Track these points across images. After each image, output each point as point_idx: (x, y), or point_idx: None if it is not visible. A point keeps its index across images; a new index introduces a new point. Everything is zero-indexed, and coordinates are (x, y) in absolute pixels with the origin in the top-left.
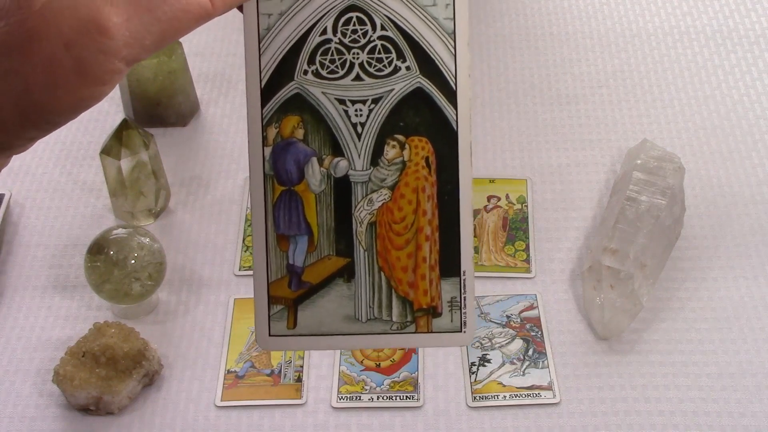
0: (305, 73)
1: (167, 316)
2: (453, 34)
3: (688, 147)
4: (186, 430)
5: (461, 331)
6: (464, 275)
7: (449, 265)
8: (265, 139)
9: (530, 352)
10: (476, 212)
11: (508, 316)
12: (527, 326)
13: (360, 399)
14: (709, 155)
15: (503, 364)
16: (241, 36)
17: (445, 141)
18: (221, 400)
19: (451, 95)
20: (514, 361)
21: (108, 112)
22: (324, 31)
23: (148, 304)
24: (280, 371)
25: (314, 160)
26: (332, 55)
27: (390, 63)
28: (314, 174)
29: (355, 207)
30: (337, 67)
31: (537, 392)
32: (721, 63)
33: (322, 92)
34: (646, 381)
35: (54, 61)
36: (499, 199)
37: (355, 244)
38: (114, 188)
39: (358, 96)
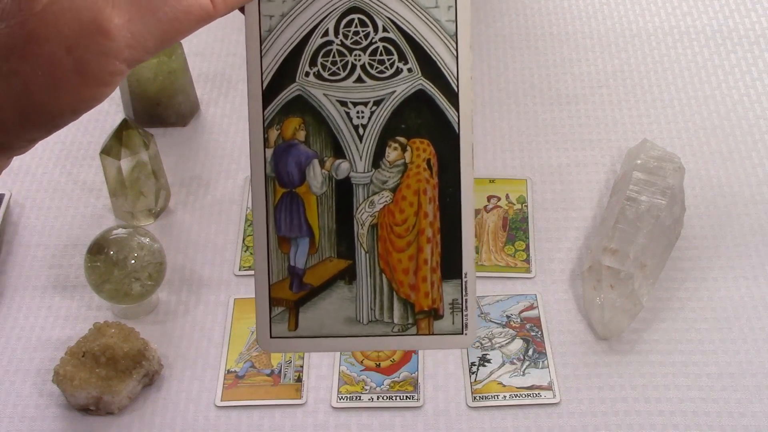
0: (307, 74)
1: (167, 316)
2: (455, 36)
3: (688, 147)
4: (186, 430)
5: (462, 333)
6: (465, 277)
7: (450, 267)
8: (266, 140)
9: (530, 352)
10: (476, 212)
11: (508, 316)
12: (527, 326)
13: (360, 399)
14: (709, 155)
15: (503, 364)
16: (242, 36)
17: (446, 143)
18: (221, 400)
19: (453, 97)
20: (514, 361)
21: (108, 112)
22: (326, 33)
23: (148, 304)
24: (280, 371)
25: (316, 162)
26: (334, 56)
27: (392, 65)
28: (316, 176)
29: (357, 209)
30: (338, 68)
31: (537, 392)
32: (721, 63)
33: (324, 94)
34: (646, 381)
35: (55, 63)
36: (499, 199)
37: (357, 246)
38: (114, 188)
39: (359, 98)
